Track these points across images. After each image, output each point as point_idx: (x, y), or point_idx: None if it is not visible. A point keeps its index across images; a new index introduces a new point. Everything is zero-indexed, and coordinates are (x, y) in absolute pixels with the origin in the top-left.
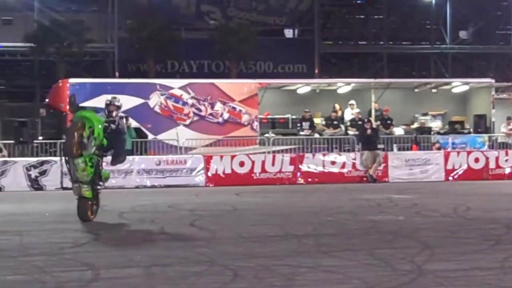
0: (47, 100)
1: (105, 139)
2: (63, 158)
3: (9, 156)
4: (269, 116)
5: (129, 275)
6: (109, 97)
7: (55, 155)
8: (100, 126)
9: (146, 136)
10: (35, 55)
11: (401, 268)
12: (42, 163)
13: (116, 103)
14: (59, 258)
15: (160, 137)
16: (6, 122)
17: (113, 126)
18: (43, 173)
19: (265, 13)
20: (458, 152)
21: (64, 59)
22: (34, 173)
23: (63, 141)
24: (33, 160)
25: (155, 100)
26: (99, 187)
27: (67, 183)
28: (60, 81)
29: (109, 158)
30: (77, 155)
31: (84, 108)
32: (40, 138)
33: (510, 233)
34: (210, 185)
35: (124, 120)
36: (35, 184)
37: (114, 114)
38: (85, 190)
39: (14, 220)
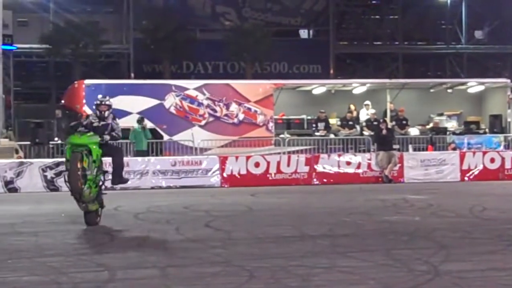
0: (63, 101)
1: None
2: (64, 174)
3: (25, 157)
4: (284, 117)
5: (145, 276)
6: (98, 96)
7: None
8: (95, 147)
9: (161, 137)
10: (51, 57)
11: (417, 268)
12: (58, 164)
13: (107, 103)
14: (75, 259)
15: (176, 138)
16: (22, 123)
17: (107, 137)
18: (59, 174)
19: (280, 13)
20: (474, 152)
21: (79, 60)
22: (50, 174)
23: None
24: (49, 161)
25: (171, 101)
26: (104, 193)
27: None
28: (75, 82)
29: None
30: (80, 188)
31: (75, 129)
32: (56, 139)
33: None
34: (226, 185)
35: (126, 122)
36: (51, 185)
37: (106, 114)
38: (92, 206)
39: (30, 221)
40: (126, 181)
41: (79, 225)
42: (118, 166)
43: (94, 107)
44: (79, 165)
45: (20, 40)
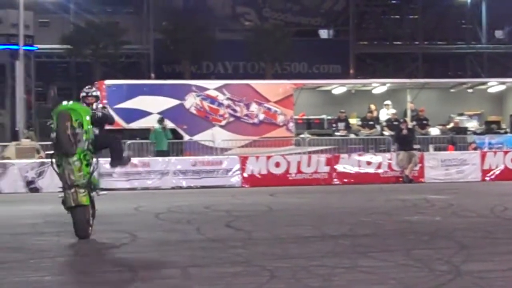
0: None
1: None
2: (52, 159)
3: (46, 158)
4: (304, 117)
5: (167, 276)
6: (84, 88)
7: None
8: (88, 118)
9: (181, 137)
10: (72, 57)
11: (438, 268)
12: None
13: (94, 93)
14: (96, 259)
15: (196, 138)
16: (43, 123)
17: (99, 114)
18: None
19: (300, 14)
20: (495, 152)
21: (100, 60)
22: None
23: (52, 136)
24: None
25: (191, 101)
26: (94, 194)
27: (105, 184)
28: (96, 82)
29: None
30: (73, 150)
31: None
32: None
33: None
34: (246, 185)
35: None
36: None
37: (94, 106)
38: (82, 196)
39: (52, 221)
40: (127, 161)
41: (100, 225)
42: (116, 148)
43: (80, 100)
44: (68, 124)
45: (41, 41)
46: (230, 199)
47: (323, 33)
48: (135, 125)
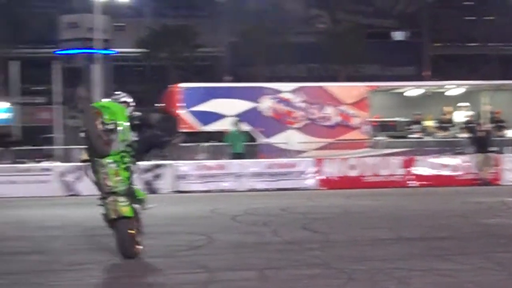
0: (160, 105)
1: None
2: (84, 163)
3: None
4: (378, 119)
5: (244, 278)
6: (113, 95)
7: (168, 159)
8: (124, 118)
9: (254, 140)
10: (147, 61)
11: None
12: (156, 166)
13: (122, 99)
14: (174, 261)
15: (271, 140)
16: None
17: (135, 116)
18: (157, 176)
19: (373, 15)
20: None
21: (175, 64)
22: (148, 176)
23: (81, 135)
24: (147, 164)
25: (266, 104)
26: (137, 206)
27: (182, 186)
28: (171, 86)
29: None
30: (107, 151)
31: None
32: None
33: None
34: (321, 188)
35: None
36: (149, 188)
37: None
38: (123, 206)
39: None
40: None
41: (176, 227)
42: (158, 144)
43: None
44: (97, 121)
45: (117, 45)
46: (305, 201)
47: (397, 35)
48: (210, 127)
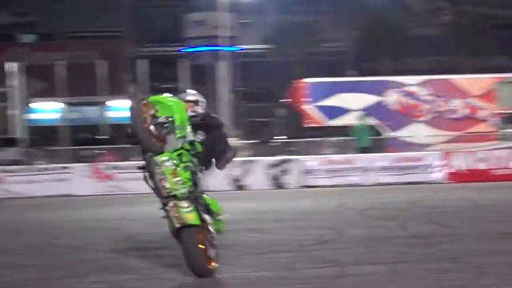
0: (285, 100)
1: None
2: (143, 173)
3: (251, 156)
4: (507, 111)
5: (373, 272)
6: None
7: (294, 154)
8: (182, 113)
9: (379, 134)
10: (272, 57)
11: None
12: (283, 162)
13: (189, 98)
14: (303, 255)
15: (398, 134)
16: (247, 122)
17: (198, 114)
18: (284, 171)
19: (498, 7)
20: None
21: (300, 59)
22: (275, 171)
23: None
24: (274, 159)
25: (391, 98)
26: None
27: (309, 181)
28: (297, 81)
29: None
30: (159, 148)
31: None
32: (280, 137)
33: None
34: (449, 181)
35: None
36: (276, 182)
37: (189, 112)
38: (186, 211)
39: (258, 218)
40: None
41: (303, 221)
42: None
43: None
44: (144, 115)
45: (242, 41)
46: (433, 195)
47: None
48: (336, 122)
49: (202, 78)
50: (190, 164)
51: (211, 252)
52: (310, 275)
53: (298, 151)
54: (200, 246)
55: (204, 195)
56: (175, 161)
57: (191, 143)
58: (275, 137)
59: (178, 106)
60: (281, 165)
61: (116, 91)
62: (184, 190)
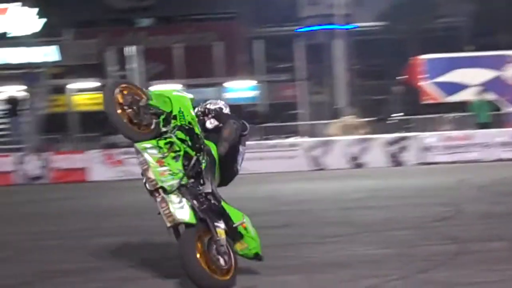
0: (402, 77)
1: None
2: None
3: (369, 134)
4: None
5: (494, 249)
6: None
7: (412, 131)
8: (183, 103)
9: (499, 109)
10: (387, 34)
11: None
12: (401, 139)
13: (209, 106)
14: (423, 232)
15: None
16: (363, 100)
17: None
18: (402, 149)
19: None
20: None
21: (416, 36)
22: (393, 149)
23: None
24: (392, 136)
25: (510, 72)
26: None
27: (428, 158)
28: (414, 58)
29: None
30: (139, 134)
31: None
32: (397, 114)
33: None
34: None
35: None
36: (394, 160)
37: (208, 124)
38: (178, 208)
39: (376, 195)
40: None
41: (422, 198)
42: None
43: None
44: (117, 100)
45: (357, 19)
46: None
47: None
48: (454, 98)
49: (318, 57)
50: (180, 149)
51: (220, 261)
52: (431, 252)
53: (416, 128)
54: (198, 251)
55: (223, 202)
56: (161, 149)
57: (192, 135)
58: (392, 115)
59: (179, 100)
60: (399, 142)
61: (233, 72)
62: (174, 182)
